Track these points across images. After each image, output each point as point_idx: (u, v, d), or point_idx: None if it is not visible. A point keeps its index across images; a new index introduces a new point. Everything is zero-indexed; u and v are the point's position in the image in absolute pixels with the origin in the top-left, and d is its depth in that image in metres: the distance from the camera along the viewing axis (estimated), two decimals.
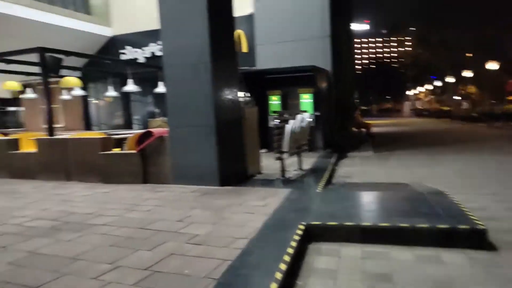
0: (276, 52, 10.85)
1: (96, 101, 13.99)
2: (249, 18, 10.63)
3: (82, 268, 2.80)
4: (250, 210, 4.24)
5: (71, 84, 10.21)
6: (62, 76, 9.88)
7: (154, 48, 12.84)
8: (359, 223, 3.60)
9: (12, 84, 10.26)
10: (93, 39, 12.85)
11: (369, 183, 6.52)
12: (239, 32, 10.24)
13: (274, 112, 10.01)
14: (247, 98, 10.39)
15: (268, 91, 10.93)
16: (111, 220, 4.08)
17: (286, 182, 5.93)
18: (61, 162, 6.78)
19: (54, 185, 6.40)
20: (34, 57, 7.76)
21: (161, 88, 10.33)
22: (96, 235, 3.57)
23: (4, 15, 9.59)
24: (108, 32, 13.35)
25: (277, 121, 6.25)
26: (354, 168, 8.27)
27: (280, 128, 6.14)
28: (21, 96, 11.99)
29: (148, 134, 6.19)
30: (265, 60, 10.98)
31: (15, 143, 7.59)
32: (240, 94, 9.12)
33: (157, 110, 12.78)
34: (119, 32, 13.26)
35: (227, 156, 5.85)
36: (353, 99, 12.74)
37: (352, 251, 3.35)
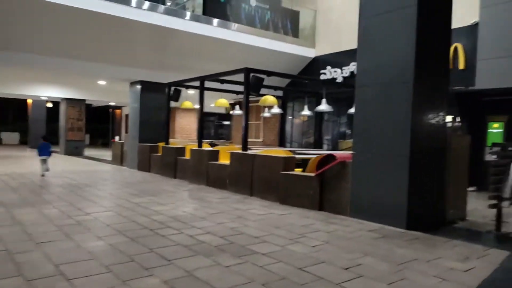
0: (502, 69, 8.68)
1: (292, 119, 14.51)
2: (471, 29, 8.88)
3: None
4: (442, 274, 3.16)
5: (269, 102, 10.81)
6: (262, 95, 10.54)
7: (354, 68, 12.39)
8: None
9: (222, 101, 11.67)
10: (297, 60, 13.39)
11: None
12: (456, 46, 8.77)
13: (494, 143, 7.96)
14: (457, 124, 8.66)
15: (488, 116, 8.89)
16: (273, 250, 3.74)
17: (503, 239, 4.38)
18: (247, 177, 7.03)
19: (238, 199, 6.65)
20: (241, 77, 8.42)
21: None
22: (253, 266, 3.26)
23: (221, 40, 10.92)
24: (311, 53, 13.68)
25: (496, 156, 4.77)
26: None
27: (501, 166, 4.63)
28: (231, 112, 13.51)
29: (330, 158, 5.69)
30: (487, 79, 8.94)
31: (215, 154, 8.40)
32: (448, 118, 7.64)
33: (348, 131, 12.22)
34: (322, 52, 13.41)
35: (421, 193, 4.81)
36: None
37: None
